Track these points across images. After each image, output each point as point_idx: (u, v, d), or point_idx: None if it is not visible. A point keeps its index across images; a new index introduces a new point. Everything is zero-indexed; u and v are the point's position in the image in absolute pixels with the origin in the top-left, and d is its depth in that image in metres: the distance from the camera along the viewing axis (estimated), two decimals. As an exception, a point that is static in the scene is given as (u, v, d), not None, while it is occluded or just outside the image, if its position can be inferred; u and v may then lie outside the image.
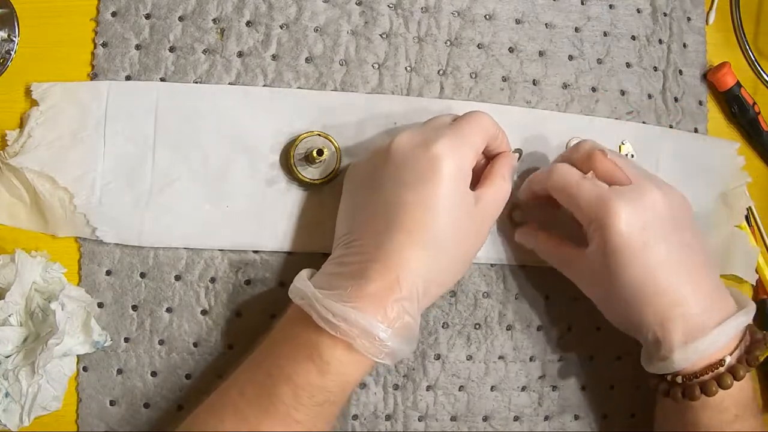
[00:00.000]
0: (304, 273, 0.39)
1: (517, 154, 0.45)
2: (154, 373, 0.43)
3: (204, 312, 0.44)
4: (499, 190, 0.40)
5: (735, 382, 0.38)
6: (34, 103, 0.42)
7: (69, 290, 0.41)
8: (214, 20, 0.45)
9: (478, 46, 0.48)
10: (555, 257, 0.44)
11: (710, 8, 0.53)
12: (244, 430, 0.35)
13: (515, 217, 0.47)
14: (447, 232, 0.37)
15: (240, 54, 0.45)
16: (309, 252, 0.45)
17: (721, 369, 0.38)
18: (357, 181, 0.41)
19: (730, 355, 0.39)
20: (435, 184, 0.37)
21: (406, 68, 0.47)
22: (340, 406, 0.37)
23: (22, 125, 0.42)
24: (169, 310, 0.44)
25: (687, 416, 0.40)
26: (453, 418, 0.46)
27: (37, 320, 0.40)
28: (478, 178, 0.41)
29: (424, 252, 0.37)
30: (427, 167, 0.37)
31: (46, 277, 0.41)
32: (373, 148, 0.42)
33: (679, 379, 0.39)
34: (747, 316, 0.40)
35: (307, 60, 0.45)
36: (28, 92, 0.42)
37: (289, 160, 0.43)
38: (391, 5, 0.47)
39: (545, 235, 0.44)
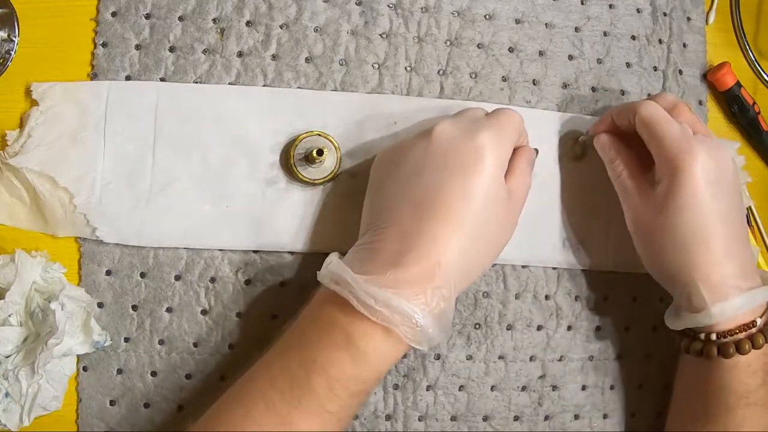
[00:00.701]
0: (336, 257, 0.38)
1: (533, 151, 0.45)
2: (154, 373, 0.43)
3: (204, 312, 0.44)
4: (525, 182, 0.41)
5: (766, 343, 0.39)
6: (34, 103, 0.42)
7: (69, 290, 0.41)
8: (214, 20, 0.45)
9: (478, 46, 0.48)
10: (624, 181, 0.44)
11: (710, 8, 0.53)
12: (274, 421, 0.35)
13: (581, 139, 0.47)
14: (485, 223, 0.38)
15: (240, 54, 0.45)
16: (309, 252, 0.45)
17: (753, 329, 0.40)
18: (390, 167, 0.40)
19: (761, 317, 0.40)
20: (478, 173, 0.37)
21: (406, 68, 0.47)
22: (371, 393, 0.38)
23: (22, 125, 0.42)
24: (169, 310, 0.44)
25: (715, 379, 0.41)
26: (453, 418, 0.46)
27: (37, 320, 0.40)
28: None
29: (463, 241, 0.37)
30: (471, 157, 0.37)
31: (46, 277, 0.41)
32: (405, 136, 0.42)
33: (713, 336, 0.40)
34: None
35: (307, 60, 0.45)
36: (28, 92, 0.42)
37: (289, 160, 0.43)
38: (391, 5, 0.47)
39: (629, 154, 0.44)
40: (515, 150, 0.42)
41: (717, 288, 0.40)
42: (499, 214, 0.39)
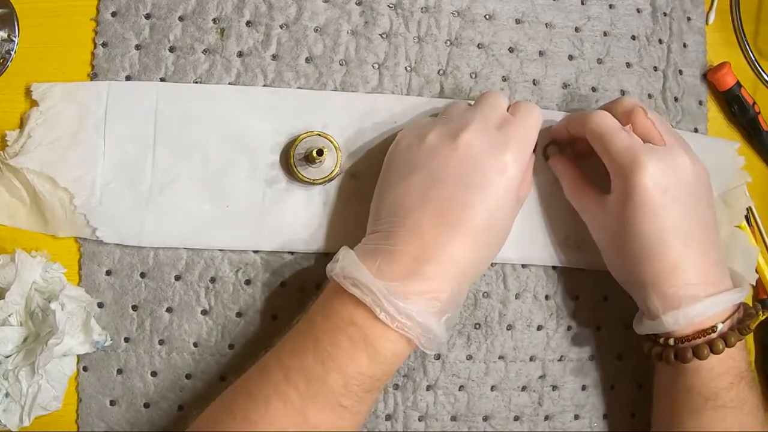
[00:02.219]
0: (348, 253, 0.38)
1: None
2: (154, 373, 0.43)
3: (204, 312, 0.44)
4: (530, 187, 0.43)
5: (727, 348, 0.39)
6: (34, 103, 0.42)
7: (69, 290, 0.41)
8: (214, 20, 0.45)
9: (478, 46, 0.48)
10: (577, 196, 0.45)
11: (710, 8, 0.53)
12: (290, 414, 0.35)
13: (549, 152, 0.47)
14: (498, 234, 0.40)
15: (240, 54, 0.45)
16: (309, 252, 0.45)
17: (713, 335, 0.40)
18: (411, 160, 0.40)
19: (722, 323, 0.40)
20: (502, 189, 0.38)
21: (406, 68, 0.47)
22: (381, 390, 0.39)
23: (22, 125, 0.42)
24: (169, 310, 0.44)
25: (681, 382, 0.41)
26: (453, 418, 0.46)
27: (37, 320, 0.40)
28: None
29: (477, 255, 0.38)
30: (496, 173, 0.38)
31: (46, 277, 0.41)
32: (424, 125, 0.41)
33: (671, 341, 0.41)
34: (741, 294, 0.41)
35: (307, 60, 0.45)
36: (28, 92, 0.42)
37: (289, 160, 0.43)
38: (391, 5, 0.47)
39: (576, 172, 0.46)
40: None
41: (670, 297, 0.40)
42: (507, 222, 0.40)
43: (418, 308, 0.36)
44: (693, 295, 0.40)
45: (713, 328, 0.40)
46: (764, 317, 0.40)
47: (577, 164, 0.46)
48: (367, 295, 0.35)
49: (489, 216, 0.38)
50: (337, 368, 0.36)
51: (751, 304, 0.46)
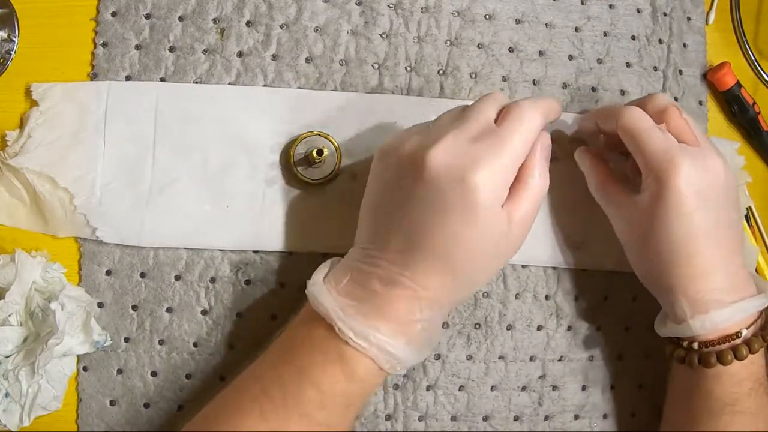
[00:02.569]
0: (321, 277, 0.38)
1: (547, 135, 0.40)
2: (154, 373, 0.43)
3: (204, 312, 0.44)
4: (531, 195, 0.38)
5: (750, 354, 0.39)
6: (34, 103, 0.42)
7: (69, 290, 0.41)
8: (214, 20, 0.45)
9: (478, 46, 0.48)
10: (604, 193, 0.43)
11: (710, 8, 0.53)
12: (266, 427, 0.35)
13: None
14: (475, 259, 0.36)
15: (240, 54, 0.45)
16: (309, 252, 0.45)
17: (738, 341, 0.39)
18: (383, 179, 0.38)
19: (747, 329, 0.40)
20: (469, 216, 0.35)
21: (406, 68, 0.47)
22: (361, 408, 0.38)
23: (22, 125, 0.42)
24: (169, 310, 0.44)
25: (701, 386, 0.41)
26: (453, 418, 0.46)
27: (37, 320, 0.40)
28: None
29: (450, 277, 0.36)
30: (461, 198, 0.35)
31: (46, 277, 0.41)
32: (403, 136, 0.38)
33: (695, 345, 0.40)
34: (766, 300, 0.41)
35: (307, 60, 0.45)
36: (28, 92, 0.42)
37: (289, 160, 0.43)
38: (391, 5, 0.47)
39: (604, 167, 0.44)
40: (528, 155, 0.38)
41: (698, 302, 0.39)
42: (494, 245, 0.37)
43: (377, 332, 0.35)
44: (720, 300, 0.39)
45: (738, 334, 0.39)
46: None
47: (605, 159, 0.45)
48: (329, 315, 0.35)
49: (458, 244, 0.35)
50: (312, 383, 0.35)
51: None
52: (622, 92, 0.50)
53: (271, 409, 0.35)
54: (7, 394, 0.38)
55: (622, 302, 0.49)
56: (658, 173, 0.39)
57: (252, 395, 0.36)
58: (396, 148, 0.38)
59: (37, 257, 0.41)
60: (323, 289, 0.37)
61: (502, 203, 0.36)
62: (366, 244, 0.38)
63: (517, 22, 0.48)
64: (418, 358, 0.37)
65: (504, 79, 0.48)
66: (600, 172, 0.44)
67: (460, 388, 0.46)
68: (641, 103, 0.43)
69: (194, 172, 0.43)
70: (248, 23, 0.45)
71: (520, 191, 0.37)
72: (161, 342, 0.43)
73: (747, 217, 0.52)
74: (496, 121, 0.37)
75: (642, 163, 0.40)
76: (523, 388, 0.47)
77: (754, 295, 0.41)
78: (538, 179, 0.38)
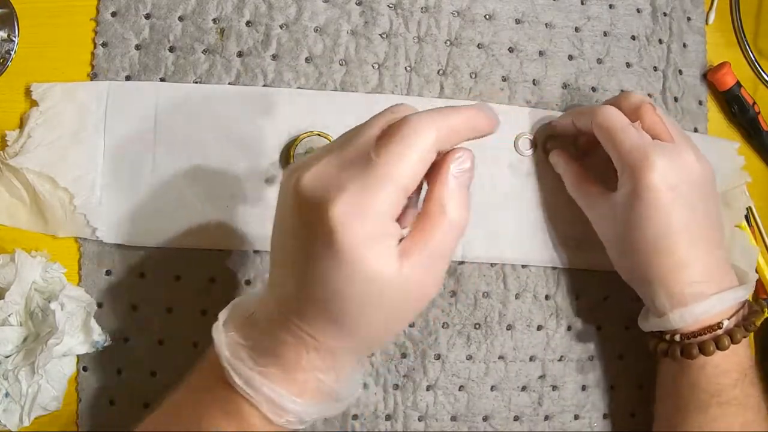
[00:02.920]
0: (227, 314, 0.33)
1: (467, 155, 0.30)
2: (154, 373, 0.43)
3: (204, 312, 0.44)
4: (435, 233, 0.29)
5: (732, 345, 0.39)
6: (34, 103, 0.42)
7: (69, 290, 0.41)
8: (214, 20, 0.45)
9: (478, 46, 0.48)
10: (582, 193, 0.45)
11: (710, 8, 0.53)
12: None
13: (549, 147, 0.47)
14: (361, 310, 0.29)
15: (240, 54, 0.45)
16: (309, 252, 0.45)
17: (719, 331, 0.40)
18: (278, 202, 0.32)
19: (728, 319, 0.40)
20: (334, 256, 0.27)
21: (406, 68, 0.47)
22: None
23: (22, 125, 0.42)
24: (169, 310, 0.44)
25: (686, 379, 0.41)
26: (453, 418, 0.46)
27: (37, 320, 0.40)
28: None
29: (336, 329, 0.30)
30: (323, 239, 0.28)
31: (45, 277, 0.41)
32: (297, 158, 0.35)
33: (677, 338, 0.41)
34: (746, 291, 0.41)
35: (307, 60, 0.45)
36: (28, 92, 0.42)
37: (289, 160, 0.43)
38: (391, 5, 0.47)
39: (578, 168, 0.45)
40: (433, 177, 0.30)
41: (678, 294, 0.40)
42: (389, 293, 0.29)
43: (264, 378, 0.30)
44: (700, 292, 0.40)
45: (719, 325, 0.40)
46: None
47: (580, 160, 0.46)
48: (220, 353, 0.31)
49: (327, 286, 0.28)
50: (202, 426, 0.31)
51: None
52: (622, 92, 0.50)
53: None
54: (6, 394, 0.38)
55: (622, 302, 0.49)
56: (633, 170, 0.40)
57: (156, 422, 0.34)
58: (285, 174, 0.32)
59: (37, 257, 0.41)
60: (219, 329, 0.32)
61: (387, 241, 0.28)
62: (271, 275, 0.33)
63: (517, 22, 0.48)
64: (318, 413, 0.31)
65: (504, 79, 0.48)
66: (575, 172, 0.45)
67: (460, 388, 0.46)
68: (616, 101, 0.44)
69: (194, 172, 0.43)
70: (248, 23, 0.45)
71: (420, 225, 0.29)
72: (161, 342, 0.43)
73: (747, 217, 0.52)
74: None
75: (617, 161, 0.41)
76: (523, 388, 0.47)
77: (734, 286, 0.41)
78: (448, 212, 0.29)
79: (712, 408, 0.40)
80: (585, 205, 0.45)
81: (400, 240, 0.29)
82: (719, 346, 0.40)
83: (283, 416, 0.31)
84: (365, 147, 0.29)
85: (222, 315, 0.33)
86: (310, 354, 0.30)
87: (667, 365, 0.43)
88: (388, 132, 0.29)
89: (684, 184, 0.40)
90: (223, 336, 0.32)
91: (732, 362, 0.40)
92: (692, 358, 0.40)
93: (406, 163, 0.28)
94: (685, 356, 0.40)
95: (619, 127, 0.41)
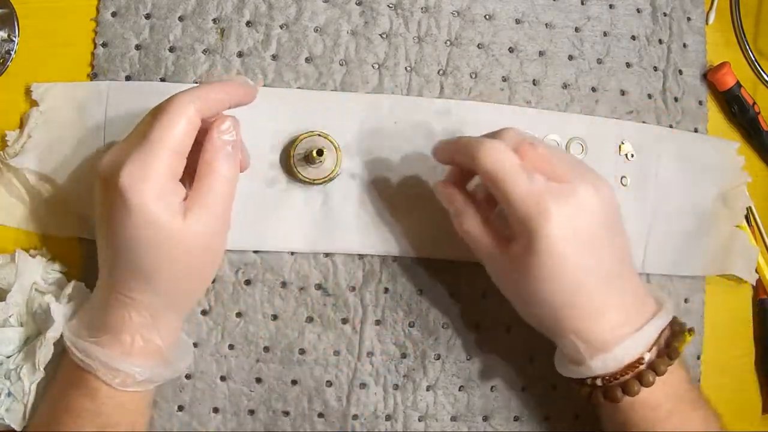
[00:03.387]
0: (64, 302, 0.39)
1: (230, 122, 0.36)
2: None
3: (204, 312, 0.44)
4: (207, 189, 0.35)
5: (658, 378, 0.37)
6: (34, 103, 0.42)
7: (69, 288, 0.41)
8: (214, 20, 0.45)
9: (478, 46, 0.48)
10: (472, 241, 0.39)
11: (710, 8, 0.53)
12: None
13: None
14: (159, 260, 0.35)
15: (240, 54, 0.45)
16: (309, 252, 0.45)
17: (642, 367, 0.37)
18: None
19: (649, 351, 0.37)
20: (130, 220, 0.33)
21: (406, 68, 0.47)
22: (133, 425, 0.37)
23: (22, 125, 0.42)
24: (169, 310, 0.44)
25: (619, 417, 0.38)
26: (453, 418, 0.46)
27: (40, 320, 0.40)
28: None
29: (144, 281, 0.35)
30: (118, 203, 0.33)
31: (46, 277, 0.41)
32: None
33: (599, 382, 0.38)
34: (666, 317, 0.38)
35: (307, 60, 0.45)
36: (28, 92, 0.42)
37: (289, 160, 0.43)
38: (391, 5, 0.47)
39: (470, 210, 0.39)
40: (204, 153, 0.36)
41: (594, 341, 0.37)
42: (179, 245, 0.35)
43: (96, 345, 0.35)
44: (619, 334, 0.37)
45: (640, 360, 0.37)
46: (691, 338, 0.38)
47: (471, 196, 0.40)
48: (97, 369, 0.36)
49: (129, 242, 0.34)
50: (65, 408, 0.36)
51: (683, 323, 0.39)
52: (622, 92, 0.50)
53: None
54: (9, 393, 0.38)
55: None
56: (526, 222, 0.35)
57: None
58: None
59: (36, 257, 0.41)
60: (59, 308, 0.38)
61: (171, 198, 0.34)
62: (98, 262, 0.38)
63: (517, 22, 0.48)
64: (151, 374, 0.36)
65: (504, 79, 0.48)
66: (465, 216, 0.39)
67: (460, 388, 0.46)
68: (495, 137, 0.39)
69: (194, 172, 0.43)
70: (248, 23, 0.45)
71: (195, 185, 0.35)
72: (161, 342, 0.43)
73: (747, 217, 0.52)
74: None
75: (508, 211, 0.36)
76: (523, 389, 0.47)
77: (654, 314, 0.38)
78: (216, 168, 0.35)
79: None
80: (479, 250, 0.39)
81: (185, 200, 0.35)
82: (643, 383, 0.36)
83: (117, 377, 0.35)
84: (144, 127, 0.35)
85: (69, 306, 0.38)
86: (132, 314, 0.35)
87: (601, 407, 0.39)
88: (157, 108, 0.35)
89: (585, 229, 0.36)
90: (65, 321, 0.37)
91: (663, 393, 0.37)
92: (617, 401, 0.37)
93: (172, 130, 0.34)
94: (609, 400, 0.37)
95: (509, 172, 0.35)
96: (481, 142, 0.37)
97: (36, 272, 0.40)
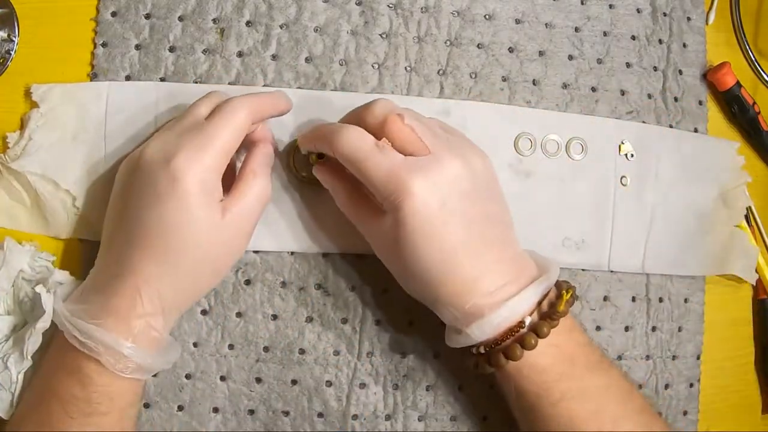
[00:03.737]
0: (53, 292, 0.38)
1: (270, 148, 0.41)
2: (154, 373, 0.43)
3: (204, 312, 0.44)
4: (247, 192, 0.38)
5: (545, 341, 0.36)
6: (34, 104, 0.42)
7: (57, 276, 0.40)
8: (214, 20, 0.45)
9: (478, 46, 0.48)
10: (353, 212, 0.40)
11: (710, 8, 0.53)
12: None
13: (312, 160, 0.42)
14: (187, 249, 0.36)
15: (240, 54, 0.45)
16: (309, 252, 0.45)
17: (523, 330, 0.36)
18: (117, 181, 0.39)
19: (530, 316, 0.37)
20: (173, 203, 0.35)
21: (406, 68, 0.47)
22: (121, 416, 0.37)
23: (22, 127, 0.42)
24: (169, 310, 0.44)
25: (510, 386, 0.38)
26: (453, 418, 0.46)
27: (26, 309, 0.40)
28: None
29: (164, 268, 0.36)
30: (165, 185, 0.35)
31: (33, 265, 0.41)
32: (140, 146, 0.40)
33: (482, 349, 0.38)
34: (546, 283, 0.38)
35: (307, 60, 0.45)
36: (28, 93, 0.42)
37: (290, 161, 0.43)
38: (391, 5, 0.47)
39: (347, 185, 0.40)
40: (252, 149, 0.40)
41: (470, 310, 0.37)
42: (208, 237, 0.36)
43: (102, 328, 0.35)
44: (495, 301, 0.36)
45: (521, 324, 0.36)
46: (569, 296, 0.37)
47: (347, 174, 0.40)
48: (58, 320, 0.36)
49: (168, 227, 0.35)
50: (53, 394, 0.36)
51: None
52: (622, 92, 0.50)
53: (18, 420, 0.37)
54: (-5, 383, 0.39)
55: (622, 302, 0.49)
56: (390, 200, 0.36)
57: (13, 422, 0.38)
58: (129, 156, 0.40)
59: (26, 246, 0.41)
60: (58, 295, 0.37)
61: (214, 193, 0.37)
62: (100, 251, 0.39)
63: (517, 22, 0.48)
64: (147, 361, 0.36)
65: (504, 79, 0.48)
66: (342, 190, 0.40)
67: (460, 388, 0.46)
68: (361, 114, 0.39)
69: (194, 172, 0.43)
70: (248, 23, 0.45)
71: (237, 187, 0.38)
72: (161, 342, 0.43)
73: (747, 217, 0.52)
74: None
75: (371, 190, 0.37)
76: (523, 388, 0.47)
77: (534, 279, 0.38)
78: (258, 178, 0.38)
79: (544, 409, 0.37)
80: (357, 224, 0.40)
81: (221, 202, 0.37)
82: (525, 346, 0.36)
83: (119, 361, 0.35)
84: (197, 119, 0.38)
85: (57, 295, 0.38)
86: (143, 298, 0.36)
87: (496, 378, 0.39)
88: (216, 108, 0.38)
89: (452, 198, 0.36)
90: (62, 303, 0.37)
91: (549, 358, 0.37)
92: (500, 367, 0.37)
93: (227, 129, 0.37)
94: (494, 366, 0.37)
95: (363, 156, 0.36)
96: (337, 130, 0.38)
97: (23, 260, 0.40)
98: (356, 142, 0.37)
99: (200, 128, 0.37)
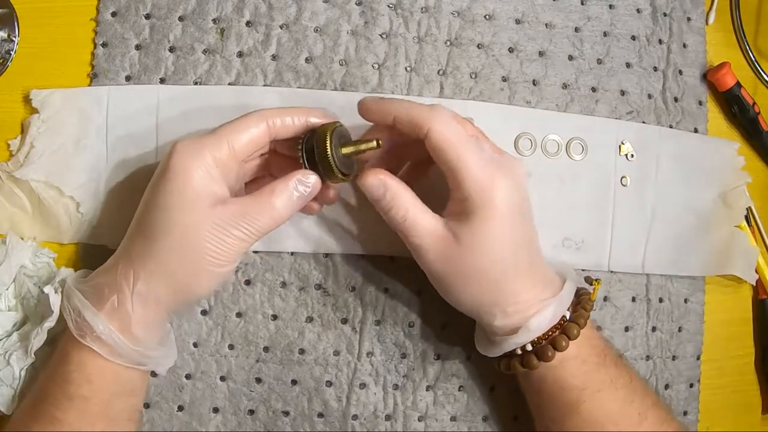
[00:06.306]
0: (59, 291, 0.39)
1: (313, 179, 0.37)
2: (154, 373, 0.43)
3: (204, 312, 0.44)
4: (256, 208, 0.36)
5: (581, 330, 0.38)
6: (34, 109, 0.42)
7: (62, 273, 0.41)
8: (214, 20, 0.45)
9: (478, 46, 0.48)
10: (413, 224, 0.37)
11: (710, 8, 0.53)
12: (14, 427, 0.36)
13: (363, 167, 0.39)
14: (168, 230, 0.35)
15: (240, 54, 0.45)
16: (309, 252, 0.45)
17: (555, 334, 0.38)
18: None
19: (561, 320, 0.38)
20: (163, 178, 0.35)
21: (406, 68, 0.47)
22: (106, 406, 0.36)
23: (23, 131, 0.42)
24: (169, 310, 0.44)
25: (548, 383, 0.39)
26: (453, 418, 0.46)
27: (29, 306, 0.40)
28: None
29: (145, 246, 0.35)
30: (161, 166, 0.36)
31: (35, 261, 0.41)
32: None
33: (528, 347, 0.39)
34: (576, 279, 0.40)
35: (307, 60, 0.45)
36: (27, 96, 0.42)
37: (327, 153, 0.36)
38: (391, 5, 0.47)
39: (410, 195, 0.37)
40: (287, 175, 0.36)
41: (528, 306, 0.38)
42: (195, 226, 0.35)
43: (97, 317, 0.35)
44: (543, 299, 0.38)
45: (563, 318, 0.38)
46: (599, 285, 0.40)
47: (407, 178, 0.39)
48: (67, 310, 0.36)
49: (154, 209, 0.35)
50: (44, 376, 0.37)
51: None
52: (622, 92, 0.50)
53: (23, 416, 0.37)
54: (-2, 378, 0.39)
55: (622, 302, 0.49)
56: (482, 193, 0.35)
57: (19, 412, 0.38)
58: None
59: (28, 242, 0.41)
60: (72, 274, 0.39)
61: (211, 183, 0.35)
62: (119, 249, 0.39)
63: (517, 22, 0.48)
64: (116, 340, 0.35)
65: (504, 79, 0.48)
66: (403, 200, 0.37)
67: (460, 388, 0.46)
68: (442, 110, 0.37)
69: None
70: (248, 23, 0.45)
71: (251, 197, 0.36)
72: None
73: (747, 217, 0.52)
74: None
75: (458, 182, 0.36)
76: (523, 388, 0.47)
77: (564, 279, 0.40)
78: (275, 197, 0.36)
79: (584, 404, 0.38)
80: (416, 239, 0.37)
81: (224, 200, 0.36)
82: (570, 336, 0.38)
83: (83, 328, 0.35)
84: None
85: (72, 275, 0.39)
86: (119, 274, 0.35)
87: (529, 379, 0.40)
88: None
89: (520, 202, 0.37)
90: (72, 279, 0.38)
91: (586, 347, 0.39)
92: (549, 359, 0.38)
93: (237, 129, 0.36)
94: (542, 359, 0.38)
95: (464, 142, 0.35)
96: (434, 109, 0.36)
97: (25, 255, 0.40)
98: (453, 129, 0.35)
99: (215, 128, 0.37)
